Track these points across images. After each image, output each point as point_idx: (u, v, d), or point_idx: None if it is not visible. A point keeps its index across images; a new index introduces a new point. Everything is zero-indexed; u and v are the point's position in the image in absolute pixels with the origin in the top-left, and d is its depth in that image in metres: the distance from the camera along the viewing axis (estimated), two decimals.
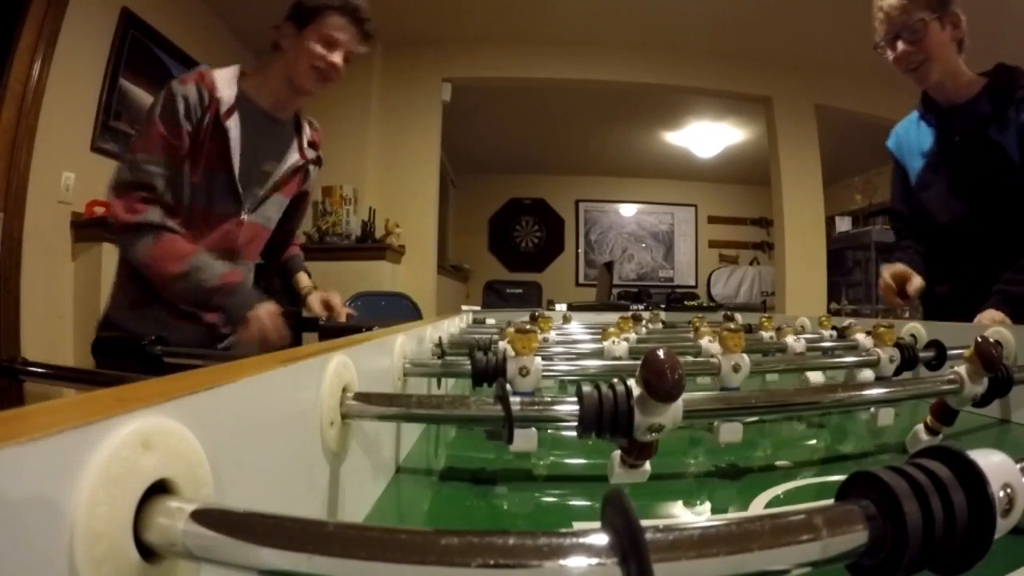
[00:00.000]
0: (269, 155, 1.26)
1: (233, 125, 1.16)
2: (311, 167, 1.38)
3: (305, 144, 1.34)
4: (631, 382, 0.33)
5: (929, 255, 1.40)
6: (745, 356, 0.57)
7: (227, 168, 1.17)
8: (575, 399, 0.34)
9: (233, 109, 1.16)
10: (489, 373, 0.53)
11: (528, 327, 0.55)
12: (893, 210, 1.52)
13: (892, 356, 0.66)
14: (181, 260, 1.11)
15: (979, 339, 0.48)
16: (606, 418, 0.33)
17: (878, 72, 4.36)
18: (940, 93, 1.33)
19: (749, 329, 1.14)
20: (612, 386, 0.33)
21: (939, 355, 0.75)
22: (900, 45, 1.25)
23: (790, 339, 0.84)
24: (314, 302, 1.39)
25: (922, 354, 0.73)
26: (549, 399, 0.37)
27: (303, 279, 1.47)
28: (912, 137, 1.41)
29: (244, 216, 1.23)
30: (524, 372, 0.50)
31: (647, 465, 0.37)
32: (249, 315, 1.12)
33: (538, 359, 0.53)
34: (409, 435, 0.57)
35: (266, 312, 1.13)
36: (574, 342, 1.00)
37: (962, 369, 0.48)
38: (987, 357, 0.47)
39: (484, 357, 0.54)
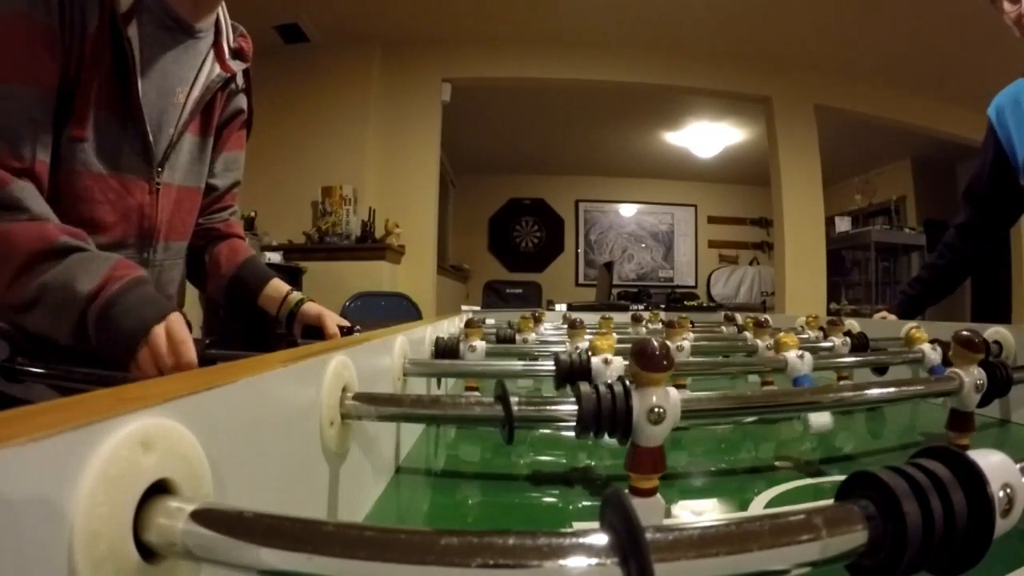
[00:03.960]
0: (179, 76, 0.84)
1: (134, 36, 0.75)
2: (239, 86, 0.96)
3: (227, 53, 0.90)
4: (629, 382, 0.33)
5: (974, 254, 1.34)
6: (808, 355, 0.62)
7: (128, 104, 0.77)
8: (574, 399, 0.34)
9: (133, 12, 0.75)
10: (574, 374, 0.55)
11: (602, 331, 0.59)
12: (968, 190, 1.35)
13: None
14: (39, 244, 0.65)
15: (955, 332, 0.49)
16: (604, 416, 0.33)
17: (878, 72, 4.38)
18: None
19: (744, 328, 1.14)
20: (610, 386, 0.33)
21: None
22: None
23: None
24: (329, 323, 0.92)
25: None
26: (548, 398, 0.37)
27: (281, 286, 0.97)
28: (1023, 106, 1.21)
29: (160, 177, 0.82)
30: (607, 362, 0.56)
31: (660, 499, 0.34)
32: (148, 338, 0.64)
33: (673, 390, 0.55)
34: (409, 435, 0.57)
35: (175, 328, 0.65)
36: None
37: (959, 371, 0.48)
38: (968, 342, 0.47)
39: (568, 359, 0.56)
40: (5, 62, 0.68)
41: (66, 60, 0.71)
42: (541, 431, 0.63)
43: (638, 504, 0.32)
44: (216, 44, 0.89)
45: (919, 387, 0.49)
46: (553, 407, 0.36)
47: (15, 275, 0.64)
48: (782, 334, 0.64)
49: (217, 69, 0.88)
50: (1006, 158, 1.25)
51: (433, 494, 0.48)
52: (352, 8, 3.70)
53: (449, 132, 4.40)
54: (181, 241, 0.91)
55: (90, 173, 0.76)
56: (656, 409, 0.32)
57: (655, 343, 0.32)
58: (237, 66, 0.92)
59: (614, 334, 0.99)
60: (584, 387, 0.34)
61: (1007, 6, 1.15)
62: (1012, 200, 1.27)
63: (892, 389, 0.48)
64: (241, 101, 0.98)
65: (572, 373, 0.55)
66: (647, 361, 0.32)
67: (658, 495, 0.34)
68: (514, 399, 0.35)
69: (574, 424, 0.34)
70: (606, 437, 0.33)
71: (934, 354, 0.72)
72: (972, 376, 0.48)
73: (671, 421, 0.33)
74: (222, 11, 0.90)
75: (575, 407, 0.34)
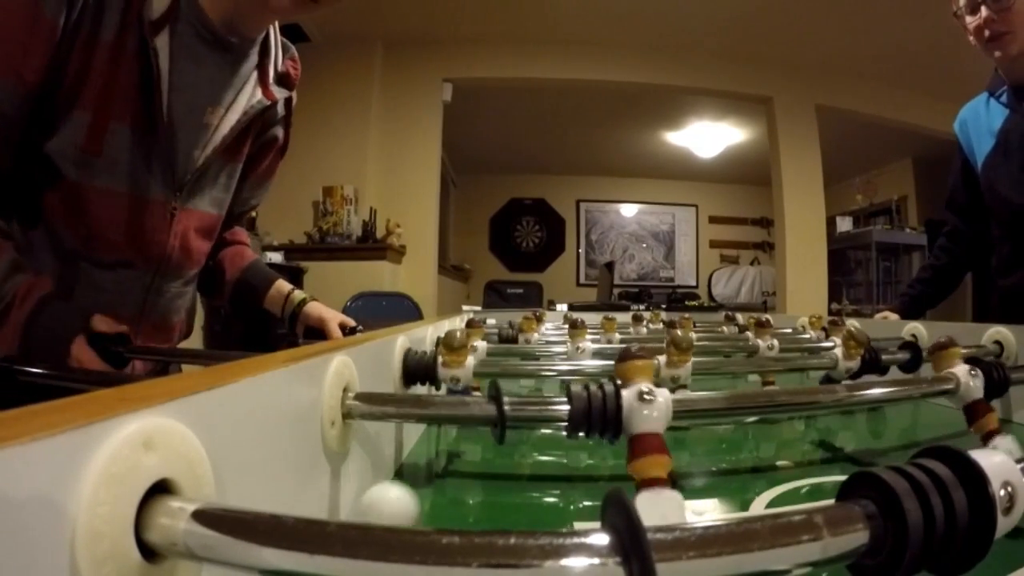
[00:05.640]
0: (212, 97, 0.78)
1: (163, 48, 0.70)
2: (278, 114, 0.89)
3: (271, 77, 0.84)
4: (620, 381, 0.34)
5: (967, 256, 1.42)
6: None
7: (150, 119, 0.71)
8: (565, 399, 0.34)
9: (165, 21, 0.70)
10: (420, 374, 0.54)
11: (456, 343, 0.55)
12: (948, 201, 1.45)
13: (849, 367, 0.66)
14: None
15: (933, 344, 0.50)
16: (595, 416, 0.33)
17: (878, 72, 4.37)
18: (1012, 71, 1.24)
19: (746, 329, 1.14)
20: (601, 385, 0.33)
21: (914, 357, 0.73)
22: (983, 11, 1.19)
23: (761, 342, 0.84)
24: (332, 328, 0.91)
25: (888, 357, 0.71)
26: (542, 399, 0.37)
27: (284, 286, 0.96)
28: (981, 117, 1.34)
29: (179, 202, 0.77)
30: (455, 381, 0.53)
31: (675, 492, 0.30)
32: None
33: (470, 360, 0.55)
34: (410, 435, 0.57)
35: None
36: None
37: (957, 370, 0.48)
38: (942, 346, 0.48)
39: (416, 355, 0.55)
40: None
41: (63, 62, 0.66)
42: (542, 431, 0.63)
43: (650, 498, 0.29)
44: (261, 67, 0.83)
45: (919, 387, 0.49)
46: (546, 407, 0.36)
47: None
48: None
49: (259, 94, 0.81)
50: (971, 167, 1.36)
51: (434, 494, 0.48)
52: (353, 8, 3.70)
53: (450, 132, 4.40)
54: (192, 270, 0.85)
55: (96, 187, 0.71)
56: (644, 395, 0.32)
57: (633, 349, 0.35)
58: (280, 93, 0.84)
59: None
60: (575, 387, 0.34)
61: (968, 19, 1.22)
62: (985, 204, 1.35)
63: (892, 389, 0.48)
64: (278, 130, 0.91)
65: (418, 372, 0.54)
66: (628, 356, 0.34)
67: (673, 490, 0.30)
68: (507, 399, 0.35)
69: (565, 425, 0.34)
70: (598, 437, 0.33)
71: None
72: (963, 370, 0.48)
73: (664, 410, 0.33)
74: (273, 30, 0.83)
75: (567, 407, 0.34)
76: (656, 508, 0.29)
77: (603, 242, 7.42)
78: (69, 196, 0.71)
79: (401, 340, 0.55)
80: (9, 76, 0.65)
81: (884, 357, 0.67)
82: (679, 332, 0.61)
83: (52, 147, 0.69)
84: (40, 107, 0.68)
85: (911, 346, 0.73)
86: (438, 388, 0.56)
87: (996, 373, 0.49)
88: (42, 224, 0.72)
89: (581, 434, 0.34)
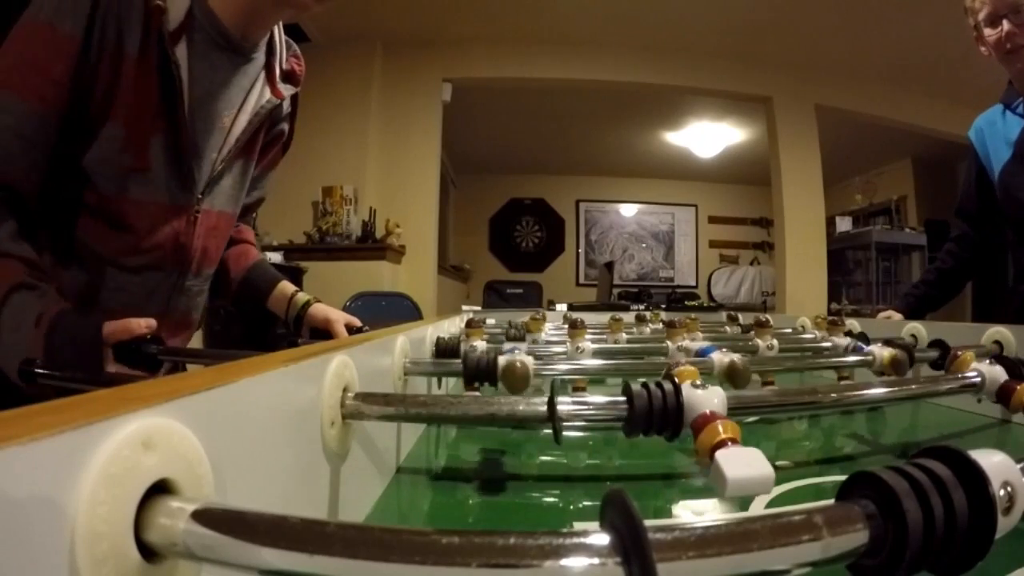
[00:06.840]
0: (227, 101, 0.79)
1: (182, 58, 0.71)
2: (284, 110, 0.92)
3: (278, 75, 0.86)
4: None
5: (973, 262, 1.45)
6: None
7: (174, 128, 0.72)
8: (623, 398, 0.35)
9: (183, 29, 0.71)
10: (481, 373, 0.54)
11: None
12: (959, 208, 1.48)
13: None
14: None
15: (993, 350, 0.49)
16: (656, 414, 0.33)
17: (878, 72, 4.37)
18: None
19: (749, 329, 1.14)
20: (659, 384, 0.34)
21: (943, 354, 0.74)
22: (1005, 25, 1.21)
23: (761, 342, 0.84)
24: (338, 330, 0.89)
25: (920, 354, 0.73)
26: (596, 400, 0.37)
27: (287, 288, 0.96)
28: (997, 127, 1.37)
29: (200, 204, 0.79)
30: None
31: (764, 462, 0.29)
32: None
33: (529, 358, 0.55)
34: (409, 435, 0.57)
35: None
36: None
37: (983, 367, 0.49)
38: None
39: (476, 357, 0.55)
40: (11, 72, 0.66)
41: (90, 81, 0.67)
42: (543, 431, 0.63)
43: (727, 454, 0.30)
44: (268, 66, 0.85)
45: (920, 387, 0.49)
46: (599, 408, 0.36)
47: None
48: None
49: (267, 94, 0.84)
50: (986, 175, 1.39)
51: (433, 494, 0.48)
52: (352, 8, 3.70)
53: (450, 132, 4.40)
54: (211, 268, 0.88)
55: (131, 200, 0.73)
56: (698, 386, 0.34)
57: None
58: (287, 90, 0.87)
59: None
60: (635, 386, 0.34)
61: (988, 32, 1.24)
62: (999, 212, 1.38)
63: (892, 389, 0.48)
64: (284, 125, 0.94)
65: (479, 372, 0.54)
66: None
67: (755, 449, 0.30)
68: (564, 399, 0.35)
69: (622, 424, 0.35)
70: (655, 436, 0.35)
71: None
72: (983, 364, 0.49)
73: (721, 398, 0.34)
74: (278, 29, 0.86)
75: (623, 407, 0.34)
76: (738, 459, 0.29)
77: (603, 242, 7.42)
78: (105, 210, 0.72)
79: (401, 340, 0.55)
80: (31, 99, 0.66)
81: (917, 355, 0.69)
82: (738, 364, 0.58)
83: (89, 161, 0.70)
84: (74, 121, 0.69)
85: (940, 344, 0.74)
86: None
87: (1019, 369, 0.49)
88: (75, 243, 0.73)
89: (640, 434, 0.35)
